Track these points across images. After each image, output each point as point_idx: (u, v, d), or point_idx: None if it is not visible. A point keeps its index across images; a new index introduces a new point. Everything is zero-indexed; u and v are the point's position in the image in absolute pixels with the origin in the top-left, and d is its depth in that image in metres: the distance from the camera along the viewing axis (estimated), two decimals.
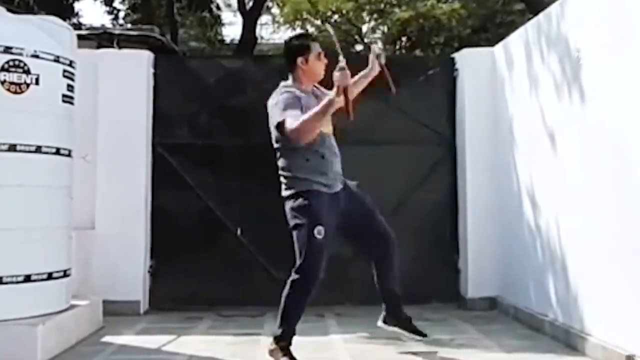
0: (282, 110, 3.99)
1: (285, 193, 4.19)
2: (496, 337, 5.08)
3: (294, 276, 4.13)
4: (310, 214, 4.06)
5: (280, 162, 4.20)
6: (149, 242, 6.33)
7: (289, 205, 4.15)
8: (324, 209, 4.08)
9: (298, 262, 4.11)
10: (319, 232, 4.03)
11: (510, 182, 5.91)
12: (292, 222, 4.14)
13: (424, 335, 4.49)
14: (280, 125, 3.98)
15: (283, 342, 4.10)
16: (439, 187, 6.55)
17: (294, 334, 4.14)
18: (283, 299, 4.14)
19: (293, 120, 3.91)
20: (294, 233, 4.13)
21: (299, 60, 4.20)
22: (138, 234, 6.22)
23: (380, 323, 4.58)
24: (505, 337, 5.06)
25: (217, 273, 6.30)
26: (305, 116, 3.89)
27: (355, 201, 4.28)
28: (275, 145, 4.21)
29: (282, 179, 4.22)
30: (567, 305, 4.81)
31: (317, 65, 4.23)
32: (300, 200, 4.09)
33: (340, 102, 3.86)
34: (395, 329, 4.54)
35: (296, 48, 4.26)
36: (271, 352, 4.12)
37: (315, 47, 4.24)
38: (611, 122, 4.21)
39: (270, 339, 4.19)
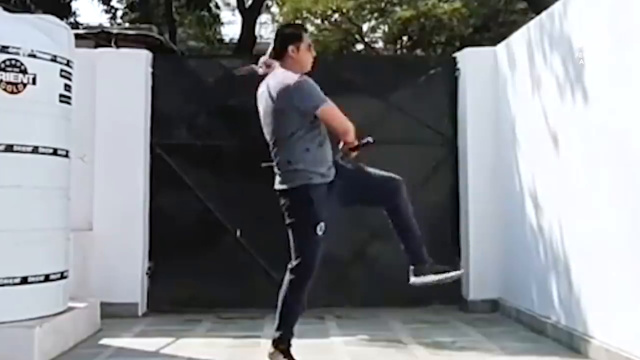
0: (319, 95, 4.03)
1: (280, 187, 4.11)
2: (498, 339, 5.07)
3: (290, 276, 4.07)
4: (311, 211, 4.01)
5: (278, 154, 4.11)
6: (147, 243, 6.33)
7: (287, 200, 4.08)
8: (323, 202, 4.02)
9: (295, 261, 4.05)
10: (321, 228, 4.00)
11: (512, 183, 5.91)
12: (290, 219, 4.07)
13: (458, 269, 4.37)
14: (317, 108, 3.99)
15: (283, 345, 4.08)
16: (441, 188, 6.56)
17: (293, 336, 4.13)
18: (281, 301, 4.11)
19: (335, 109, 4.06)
20: (292, 230, 4.08)
21: (290, 48, 4.18)
22: (136, 236, 6.22)
23: (412, 279, 4.22)
24: (508, 340, 5.07)
25: (217, 275, 6.30)
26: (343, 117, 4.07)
27: (347, 178, 4.16)
28: (274, 137, 4.12)
29: (277, 171, 4.13)
30: (570, 308, 4.81)
31: (306, 55, 4.22)
32: (299, 196, 4.03)
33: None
34: (429, 279, 4.19)
35: (288, 36, 4.26)
36: (271, 356, 4.11)
37: (307, 38, 4.27)
38: (615, 122, 4.21)
39: (269, 343, 4.18)
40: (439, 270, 4.26)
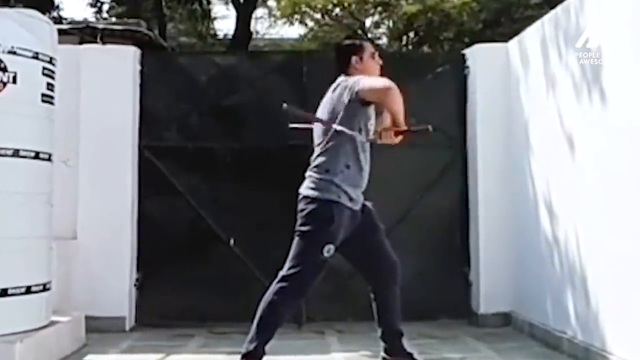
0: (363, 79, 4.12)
1: (308, 192, 4.12)
2: (510, 355, 5.08)
3: (282, 283, 4.05)
4: (328, 229, 4.04)
5: (318, 160, 4.16)
6: (135, 253, 6.34)
7: (307, 208, 4.09)
8: (342, 226, 4.07)
9: (291, 269, 4.05)
10: (329, 250, 4.03)
11: (525, 188, 5.92)
12: (302, 227, 4.09)
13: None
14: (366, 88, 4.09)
15: None
16: (449, 193, 6.57)
17: (264, 354, 4.02)
18: (263, 308, 4.03)
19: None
20: (300, 239, 4.08)
21: (354, 59, 4.33)
22: (123, 245, 6.22)
23: None
24: (520, 356, 5.07)
25: (209, 287, 6.30)
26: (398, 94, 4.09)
27: (370, 226, 4.27)
28: (320, 140, 4.19)
29: (313, 175, 4.14)
30: (586, 322, 4.82)
31: (371, 64, 4.36)
32: (322, 209, 4.05)
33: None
34: None
35: (350, 47, 4.42)
36: None
37: (369, 47, 4.39)
38: (635, 124, 4.22)
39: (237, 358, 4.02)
40: None
